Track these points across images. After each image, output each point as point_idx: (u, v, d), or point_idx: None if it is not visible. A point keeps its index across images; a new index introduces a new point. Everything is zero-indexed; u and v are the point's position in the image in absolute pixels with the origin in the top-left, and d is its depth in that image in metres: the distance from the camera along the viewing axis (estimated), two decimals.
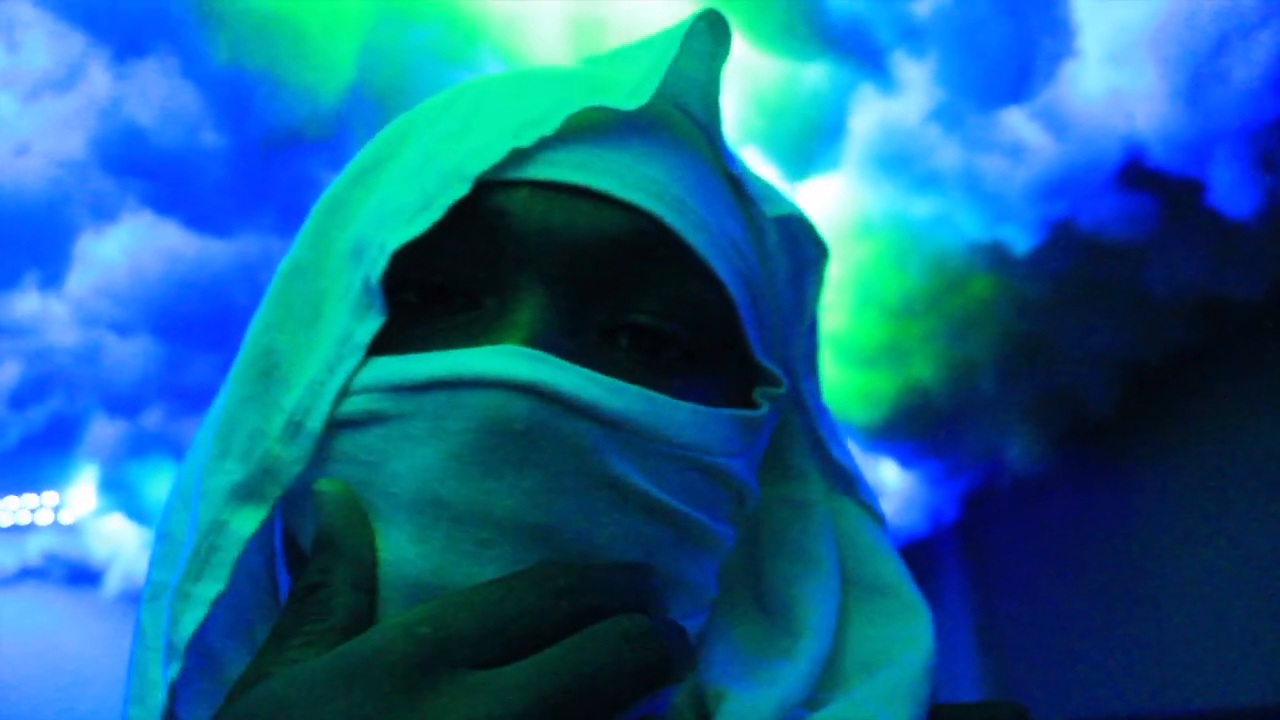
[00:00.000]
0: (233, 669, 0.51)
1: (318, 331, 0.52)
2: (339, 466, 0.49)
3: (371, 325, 0.49)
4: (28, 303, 4.35)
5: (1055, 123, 3.83)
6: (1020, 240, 4.33)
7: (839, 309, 5.00)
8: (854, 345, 5.18)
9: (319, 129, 3.48)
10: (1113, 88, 3.84)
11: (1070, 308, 5.02)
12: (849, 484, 0.62)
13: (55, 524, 7.11)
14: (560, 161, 0.50)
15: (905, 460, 6.10)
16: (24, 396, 4.89)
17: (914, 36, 3.54)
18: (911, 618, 0.58)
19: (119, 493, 6.01)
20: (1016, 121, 3.83)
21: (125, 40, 3.39)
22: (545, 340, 0.48)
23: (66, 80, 3.68)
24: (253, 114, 3.45)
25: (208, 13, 3.16)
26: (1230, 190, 3.90)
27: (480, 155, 0.50)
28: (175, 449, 5.20)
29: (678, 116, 0.55)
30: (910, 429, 5.63)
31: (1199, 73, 3.64)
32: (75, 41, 3.54)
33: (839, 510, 0.61)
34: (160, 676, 0.49)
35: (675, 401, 0.49)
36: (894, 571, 0.60)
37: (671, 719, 0.54)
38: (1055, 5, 3.59)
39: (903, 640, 0.57)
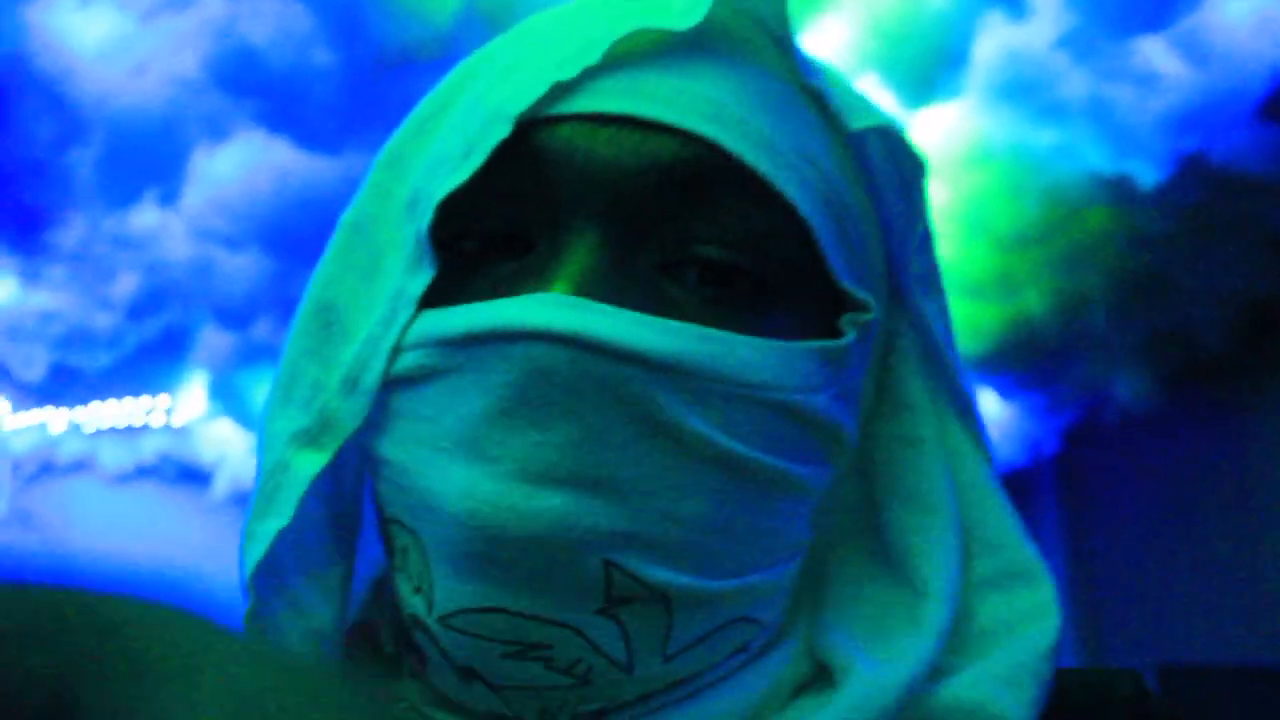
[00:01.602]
0: (311, 610, 0.51)
1: (375, 285, 0.51)
2: (398, 424, 0.48)
3: (423, 279, 0.48)
4: (146, 217, 4.46)
5: (1195, 50, 3.62)
6: (1147, 174, 4.14)
7: (948, 238, 4.88)
8: (961, 275, 5.06)
9: (429, 49, 3.46)
10: (1263, 12, 3.61)
11: (1193, 244, 4.82)
12: (963, 413, 0.56)
13: (168, 426, 7.39)
14: (606, 91, 0.48)
15: (1006, 391, 6.00)
16: (141, 306, 5.05)
17: None
18: (1036, 584, 0.54)
19: (227, 399, 6.23)
20: (1153, 49, 3.63)
21: None
22: (593, 283, 0.46)
23: (182, 0, 3.72)
24: (364, 33, 3.45)
25: None
26: None
27: (522, 93, 0.47)
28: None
29: (749, 30, 0.51)
30: (1014, 361, 5.53)
31: None
32: None
33: (954, 449, 0.56)
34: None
35: (738, 337, 0.46)
36: (1010, 524, 0.56)
37: (775, 671, 0.52)
38: None
39: (1026, 613, 0.54)
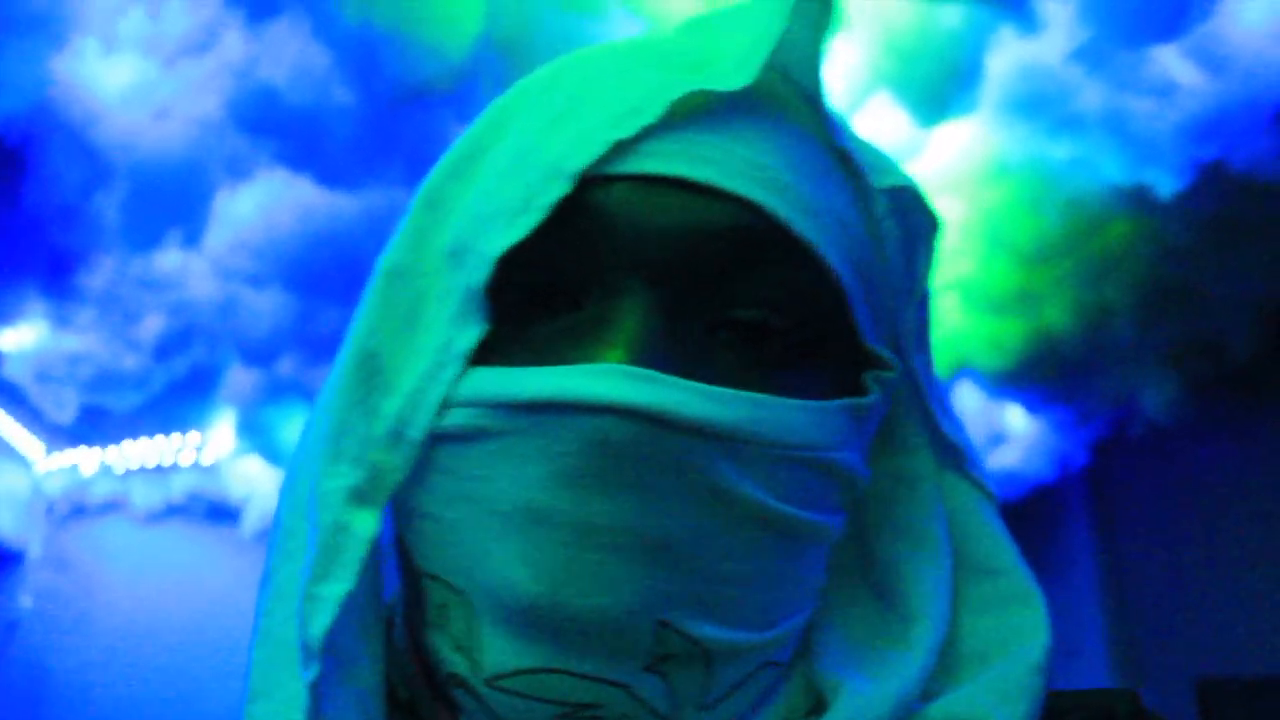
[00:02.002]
0: (359, 667, 0.51)
1: (418, 334, 0.52)
2: (443, 480, 0.48)
3: (472, 334, 0.49)
4: (170, 259, 4.52)
5: (1211, 59, 3.60)
6: (1165, 183, 4.11)
7: (968, 254, 4.86)
8: (983, 291, 5.04)
9: (447, 82, 3.49)
10: (1279, 17, 3.60)
11: (1217, 252, 4.78)
12: (959, 458, 0.59)
13: (197, 464, 7.44)
14: (660, 153, 0.48)
15: (1033, 406, 5.96)
16: (168, 347, 5.10)
17: None
18: (1026, 605, 0.56)
19: (256, 435, 6.25)
20: (1167, 59, 3.62)
21: (258, 3, 3.45)
22: (649, 348, 0.46)
23: (203, 44, 3.78)
24: (381, 70, 3.48)
25: None
26: None
27: (580, 149, 0.48)
28: (307, 395, 5.38)
29: (781, 88, 0.53)
30: (1039, 375, 5.49)
31: None
32: (211, 6, 3.63)
33: (949, 488, 0.59)
34: (297, 677, 0.49)
35: (784, 401, 0.48)
36: (1006, 553, 0.58)
37: (784, 704, 0.53)
38: None
39: (1018, 631, 0.56)
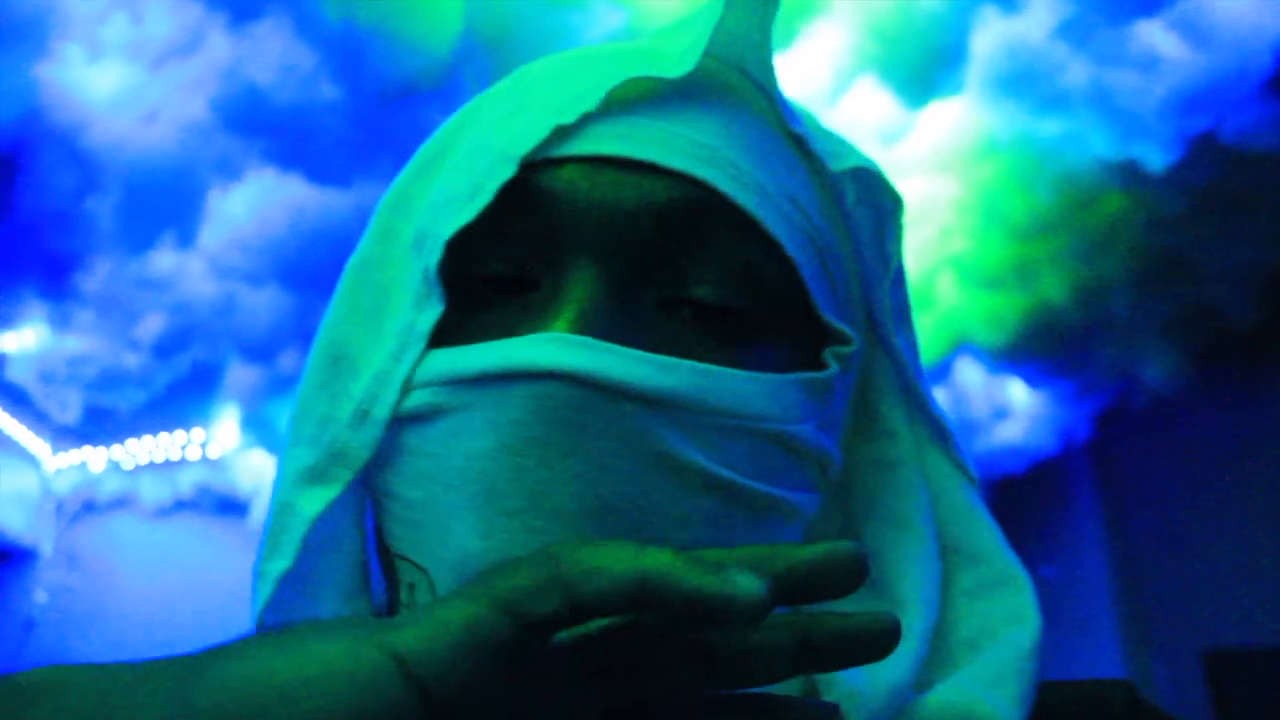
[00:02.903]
0: None
1: (383, 322, 0.53)
2: (408, 460, 0.49)
3: (431, 315, 0.50)
4: (166, 260, 4.54)
5: (1195, 32, 3.59)
6: (1155, 156, 4.10)
7: (963, 231, 4.85)
8: (979, 267, 5.03)
9: (431, 78, 3.50)
10: None
11: (1211, 222, 4.77)
12: (943, 438, 0.59)
13: (203, 459, 7.49)
14: (605, 135, 0.50)
15: (1033, 380, 5.95)
16: (168, 345, 5.13)
17: None
18: (1014, 590, 0.57)
19: (260, 430, 6.29)
20: (1151, 33, 3.60)
21: (241, 5, 3.46)
22: (594, 321, 0.47)
23: (188, 47, 3.79)
24: (366, 68, 3.49)
25: None
26: None
27: (525, 136, 0.50)
28: None
29: (735, 79, 0.54)
30: (1039, 349, 5.48)
31: None
32: (193, 9, 3.63)
33: (932, 471, 0.59)
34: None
35: (731, 371, 0.48)
36: (991, 537, 0.58)
37: (783, 689, 0.52)
38: None
39: (1006, 617, 0.56)
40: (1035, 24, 3.65)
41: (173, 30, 3.80)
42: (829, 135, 0.58)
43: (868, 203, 0.56)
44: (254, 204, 4.17)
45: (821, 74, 3.72)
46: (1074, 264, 5.03)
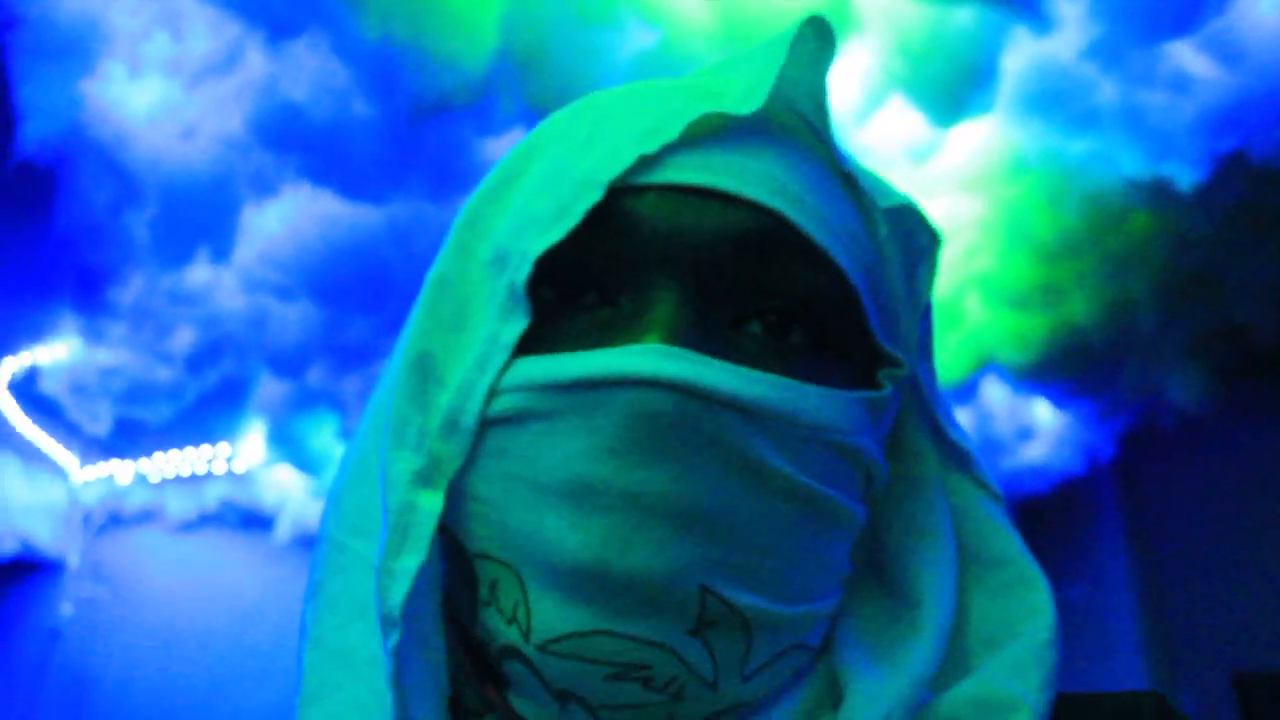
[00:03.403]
0: (432, 643, 0.55)
1: (465, 334, 0.56)
2: (495, 462, 0.52)
3: (517, 326, 0.53)
4: (200, 274, 4.59)
5: (1226, 52, 3.60)
6: (1185, 176, 4.10)
7: (989, 251, 4.85)
8: (1005, 286, 5.03)
9: (465, 95, 3.53)
10: None
11: (1239, 241, 4.76)
12: (964, 461, 0.63)
13: (229, 473, 7.53)
14: (684, 165, 0.53)
15: (1059, 400, 5.93)
16: (199, 359, 5.18)
17: None
18: (1030, 589, 0.59)
19: (286, 445, 6.32)
20: (1182, 53, 3.62)
21: (278, 23, 3.51)
22: (682, 336, 0.50)
23: (225, 64, 3.85)
24: (401, 85, 3.53)
25: None
26: None
27: (609, 162, 0.53)
28: (336, 404, 5.44)
29: (790, 118, 0.58)
30: (1065, 368, 5.46)
31: None
32: (232, 27, 3.69)
33: (955, 488, 0.63)
34: (379, 648, 0.53)
35: (807, 385, 0.52)
36: (1010, 545, 0.61)
37: (810, 694, 0.56)
38: None
39: (1023, 612, 0.59)
40: (1066, 44, 3.66)
41: (212, 47, 3.86)
42: (872, 175, 0.62)
43: (901, 238, 0.60)
44: (287, 219, 4.22)
45: (852, 93, 3.75)
46: (1101, 284, 5.02)
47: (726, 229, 0.53)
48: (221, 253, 4.38)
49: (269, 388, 5.64)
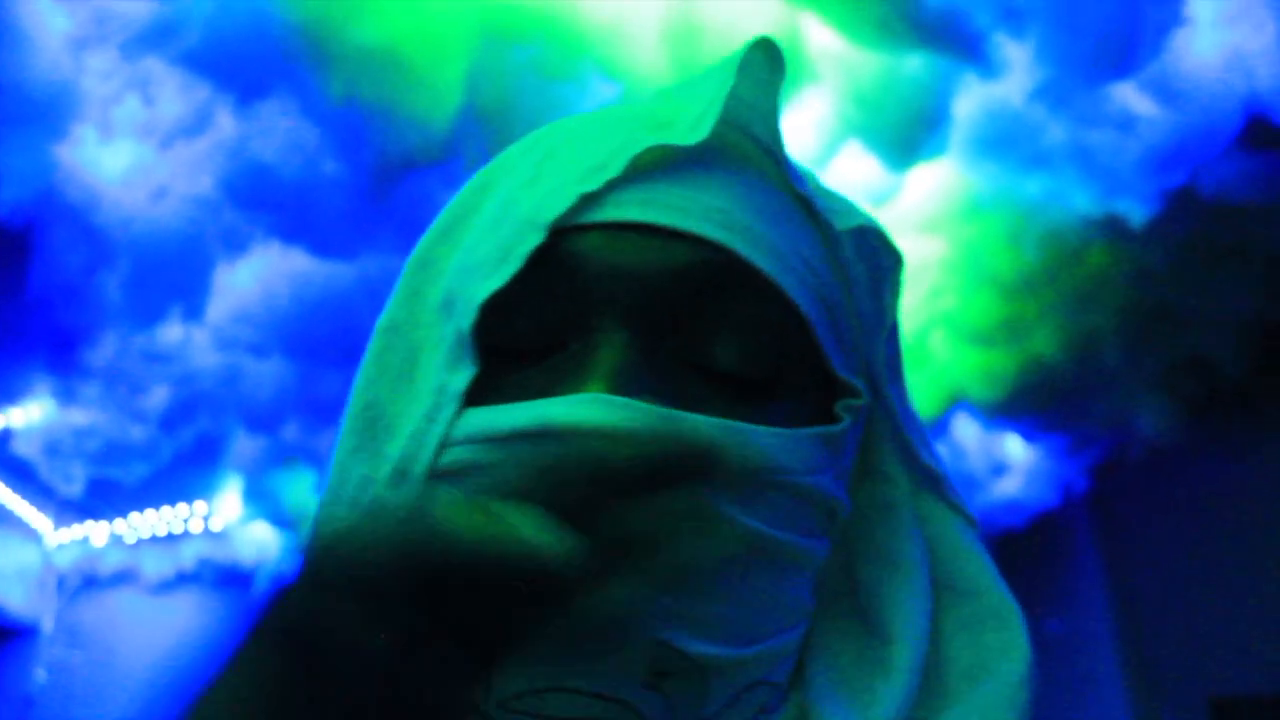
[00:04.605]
0: None
1: (415, 383, 0.54)
2: None
3: (464, 375, 0.52)
4: (172, 332, 4.62)
5: (1167, 92, 3.72)
6: (1136, 211, 4.21)
7: (952, 289, 4.94)
8: (970, 324, 5.11)
9: (431, 153, 3.59)
10: (1229, 49, 3.72)
11: (1197, 273, 4.86)
12: (936, 484, 0.61)
13: (206, 532, 7.48)
14: (628, 201, 0.52)
15: (1030, 434, 5.98)
16: (173, 418, 5.18)
17: (1013, 18, 3.49)
18: (1005, 623, 0.58)
19: (262, 501, 6.29)
20: (1125, 94, 3.74)
21: (248, 85, 3.58)
22: (625, 379, 0.49)
23: (196, 126, 3.90)
24: (368, 144, 3.60)
25: (321, 53, 3.31)
26: None
27: (551, 203, 0.52)
28: (312, 459, 5.45)
29: (742, 143, 0.57)
30: (1033, 404, 5.52)
31: None
32: (202, 90, 3.75)
33: (927, 513, 0.61)
34: None
35: (754, 427, 0.50)
36: (984, 573, 0.60)
37: None
38: None
39: (998, 649, 0.57)
40: (1014, 87, 3.78)
41: (182, 110, 3.92)
42: (831, 194, 0.61)
43: (866, 258, 0.60)
44: (259, 277, 4.27)
45: (809, 140, 3.84)
46: (1063, 318, 5.10)
47: (669, 266, 0.51)
48: (194, 311, 4.41)
49: (244, 445, 5.64)
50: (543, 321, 0.52)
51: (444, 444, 0.51)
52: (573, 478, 0.45)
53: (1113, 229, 4.45)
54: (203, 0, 3.42)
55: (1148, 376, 5.52)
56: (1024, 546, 5.93)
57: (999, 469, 6.12)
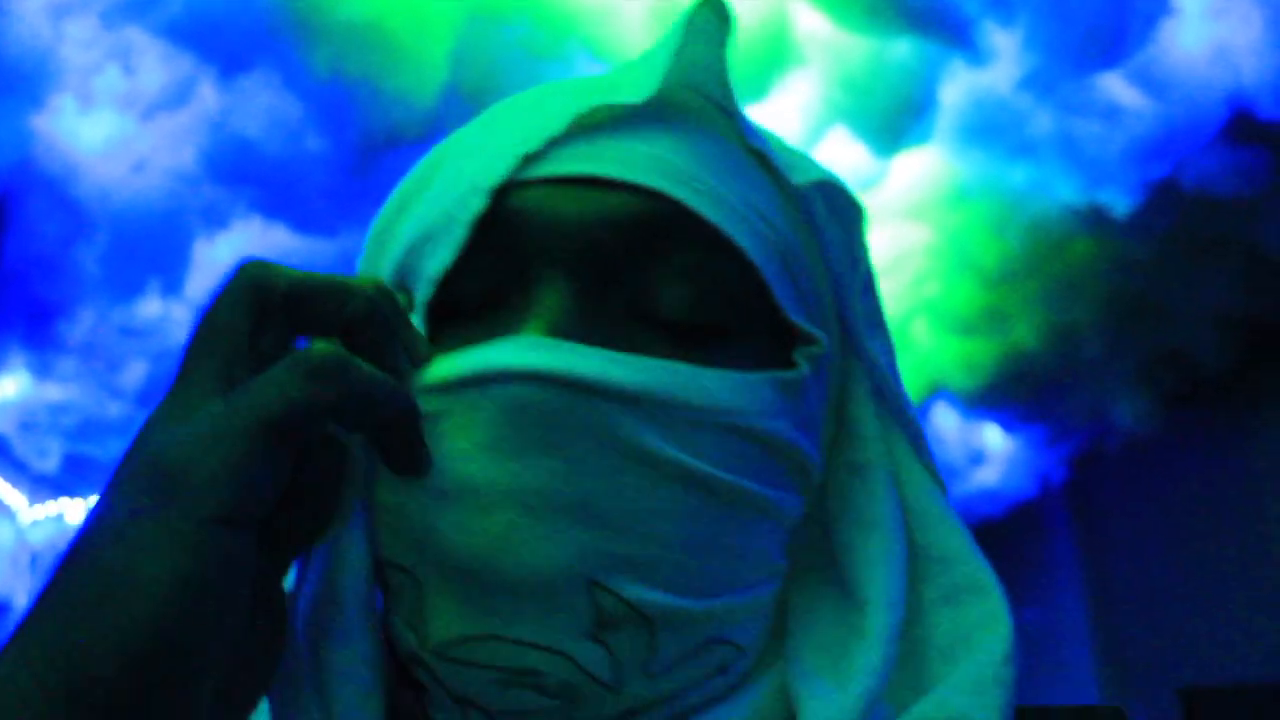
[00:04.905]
0: (361, 641, 0.53)
1: None
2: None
3: None
4: (151, 307, 4.58)
5: (1153, 83, 3.73)
6: (1120, 202, 4.23)
7: (936, 276, 4.95)
8: (952, 312, 5.12)
9: (416, 130, 3.57)
10: (1215, 42, 3.72)
11: (1178, 266, 4.88)
12: (914, 442, 0.60)
13: None
14: (570, 157, 0.52)
15: (1009, 425, 6.02)
16: (151, 394, 5.13)
17: (1001, 6, 3.49)
18: (984, 596, 0.57)
19: None
20: (1112, 84, 3.75)
21: (231, 58, 3.55)
22: (565, 325, 0.49)
23: (178, 98, 3.86)
24: (352, 120, 3.57)
25: (307, 27, 3.28)
26: None
27: (493, 166, 0.52)
28: None
29: (696, 101, 0.56)
30: (1013, 394, 5.55)
31: None
32: (185, 62, 3.71)
33: (905, 476, 0.60)
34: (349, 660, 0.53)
35: (699, 369, 0.50)
36: (959, 541, 0.59)
37: (753, 708, 0.55)
38: None
39: (981, 623, 0.56)
40: (1001, 75, 3.78)
41: (164, 82, 3.87)
42: (790, 151, 0.60)
43: (837, 215, 0.59)
44: (240, 252, 4.23)
45: (794, 125, 3.84)
46: (1045, 309, 5.13)
47: (609, 215, 0.51)
48: (173, 286, 4.38)
49: None
50: (490, 281, 0.52)
51: None
52: (504, 423, 0.47)
53: (1095, 220, 4.46)
54: None
55: (1126, 368, 5.55)
56: (1001, 536, 5.97)
57: (977, 458, 6.16)
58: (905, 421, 0.60)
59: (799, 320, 0.55)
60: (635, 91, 0.53)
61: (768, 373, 0.53)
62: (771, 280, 0.54)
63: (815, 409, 0.56)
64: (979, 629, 0.56)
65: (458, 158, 0.56)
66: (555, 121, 0.53)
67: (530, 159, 0.52)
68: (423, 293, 0.52)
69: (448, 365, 0.49)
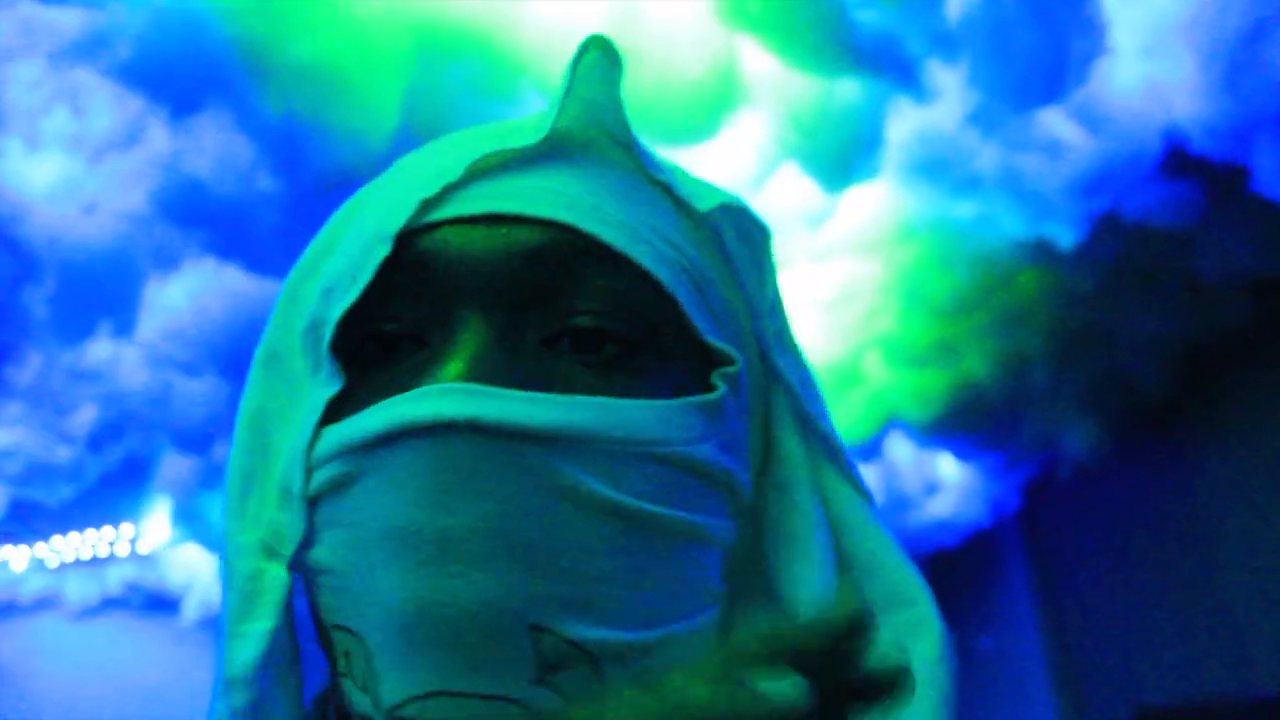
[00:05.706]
0: (275, 713, 0.53)
1: (295, 406, 0.55)
2: (331, 533, 0.51)
3: (325, 393, 0.53)
4: (101, 349, 4.52)
5: (1092, 119, 3.84)
6: (1064, 235, 4.33)
7: (887, 310, 5.02)
8: (904, 345, 5.19)
9: (368, 169, 3.54)
10: (1149, 79, 3.84)
11: (1120, 296, 4.99)
12: (834, 457, 0.61)
13: (133, 554, 7.31)
14: (471, 198, 0.53)
15: (962, 454, 6.08)
16: (101, 437, 5.07)
17: (945, 44, 3.57)
18: (913, 601, 0.58)
19: (192, 523, 6.17)
20: (1053, 120, 3.85)
21: (181, 98, 3.54)
22: (482, 365, 0.49)
23: (128, 139, 3.84)
24: (305, 160, 3.57)
25: (258, 68, 3.28)
26: (1274, 173, 3.88)
27: (395, 213, 0.53)
28: None
29: (597, 138, 0.58)
30: (965, 423, 5.61)
31: (1236, 59, 3.63)
32: (135, 103, 3.69)
33: (830, 491, 0.60)
34: (221, 709, 0.52)
35: (618, 401, 0.50)
36: (884, 549, 0.60)
37: None
38: (1085, 3, 3.61)
39: (910, 630, 0.57)
40: (946, 113, 3.86)
41: (113, 123, 3.85)
42: (693, 180, 0.62)
43: (744, 238, 0.61)
44: (191, 294, 4.20)
45: (745, 162, 3.89)
46: (994, 340, 5.21)
47: (516, 248, 0.52)
48: (124, 328, 4.33)
49: (174, 465, 5.52)
50: (410, 323, 0.53)
51: (310, 466, 0.52)
52: (430, 475, 0.47)
53: (1041, 253, 4.56)
54: (136, 11, 3.38)
55: (1074, 396, 5.63)
56: (956, 565, 6.02)
57: (932, 488, 6.20)
58: (824, 435, 0.61)
59: (714, 340, 0.56)
60: (529, 134, 0.55)
61: (686, 399, 0.53)
62: (684, 301, 0.55)
63: (739, 429, 0.57)
64: (910, 635, 0.57)
65: (364, 211, 0.58)
66: (454, 167, 0.54)
67: (432, 204, 0.54)
68: (326, 336, 0.53)
69: (364, 422, 0.50)
